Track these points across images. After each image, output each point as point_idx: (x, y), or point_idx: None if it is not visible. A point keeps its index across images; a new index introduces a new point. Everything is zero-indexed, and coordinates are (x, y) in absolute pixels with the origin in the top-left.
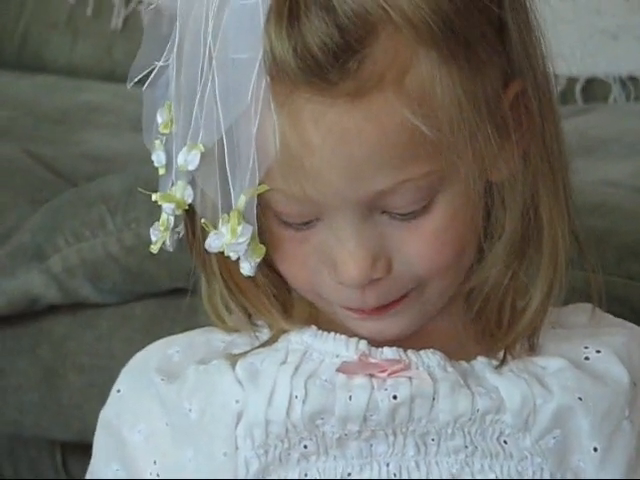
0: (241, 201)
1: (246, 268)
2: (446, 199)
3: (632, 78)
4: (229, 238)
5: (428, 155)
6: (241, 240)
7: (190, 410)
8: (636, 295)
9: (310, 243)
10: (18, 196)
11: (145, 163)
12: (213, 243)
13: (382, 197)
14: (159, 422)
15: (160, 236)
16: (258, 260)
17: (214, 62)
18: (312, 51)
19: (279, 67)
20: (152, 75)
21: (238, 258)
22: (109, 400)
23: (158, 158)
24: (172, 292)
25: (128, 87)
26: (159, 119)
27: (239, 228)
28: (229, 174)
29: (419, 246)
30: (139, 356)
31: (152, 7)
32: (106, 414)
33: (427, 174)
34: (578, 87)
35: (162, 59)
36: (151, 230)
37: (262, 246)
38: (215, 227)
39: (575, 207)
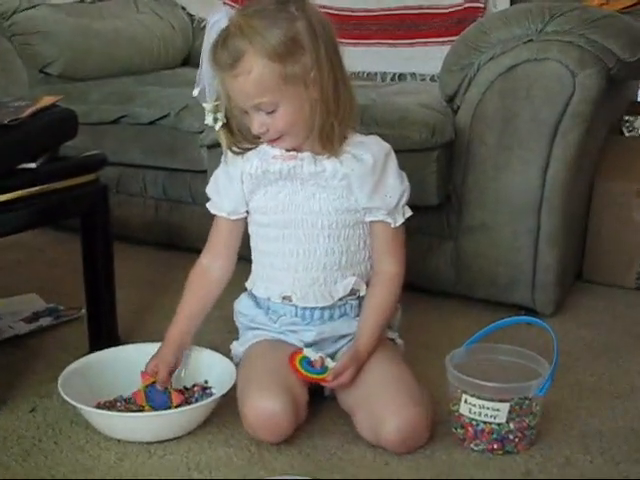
0: (210, 106)
1: (213, 124)
2: (282, 109)
3: None
4: (208, 119)
5: (266, 95)
6: (209, 119)
7: (230, 170)
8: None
9: (247, 117)
10: None
11: None
12: (206, 120)
13: (257, 105)
14: (223, 174)
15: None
16: (219, 123)
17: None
18: (222, 62)
19: (217, 67)
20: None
21: (214, 121)
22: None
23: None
24: None
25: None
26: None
27: (210, 117)
28: (208, 97)
29: (275, 122)
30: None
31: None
32: (215, 172)
33: (269, 100)
34: None
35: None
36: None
37: (223, 118)
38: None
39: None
